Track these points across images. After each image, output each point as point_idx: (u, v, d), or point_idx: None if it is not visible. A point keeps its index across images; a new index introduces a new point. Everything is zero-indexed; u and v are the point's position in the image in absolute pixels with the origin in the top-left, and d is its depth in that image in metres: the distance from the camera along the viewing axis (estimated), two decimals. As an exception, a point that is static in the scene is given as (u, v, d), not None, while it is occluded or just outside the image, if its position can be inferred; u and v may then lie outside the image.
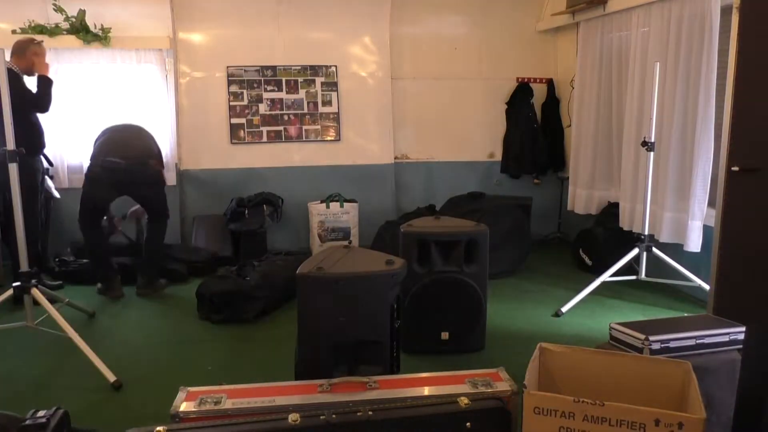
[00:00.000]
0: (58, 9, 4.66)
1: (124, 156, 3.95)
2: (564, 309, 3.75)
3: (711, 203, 3.82)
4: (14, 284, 3.09)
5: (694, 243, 3.82)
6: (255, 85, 5.28)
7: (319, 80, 5.38)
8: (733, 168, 2.65)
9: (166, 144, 5.15)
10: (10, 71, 3.44)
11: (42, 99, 3.97)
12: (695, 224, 3.81)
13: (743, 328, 2.15)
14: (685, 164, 3.91)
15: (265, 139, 5.34)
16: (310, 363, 2.34)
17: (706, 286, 3.73)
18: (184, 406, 1.93)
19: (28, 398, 2.66)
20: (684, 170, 3.93)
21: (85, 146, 4.97)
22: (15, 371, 2.98)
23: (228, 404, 1.95)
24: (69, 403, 2.56)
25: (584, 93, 5.03)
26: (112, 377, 2.77)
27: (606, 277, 3.86)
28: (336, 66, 5.40)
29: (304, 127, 5.40)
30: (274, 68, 5.30)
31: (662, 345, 2.09)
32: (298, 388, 2.09)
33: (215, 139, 5.27)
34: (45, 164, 4.22)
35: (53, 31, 4.64)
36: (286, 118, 5.36)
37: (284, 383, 2.29)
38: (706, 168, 3.73)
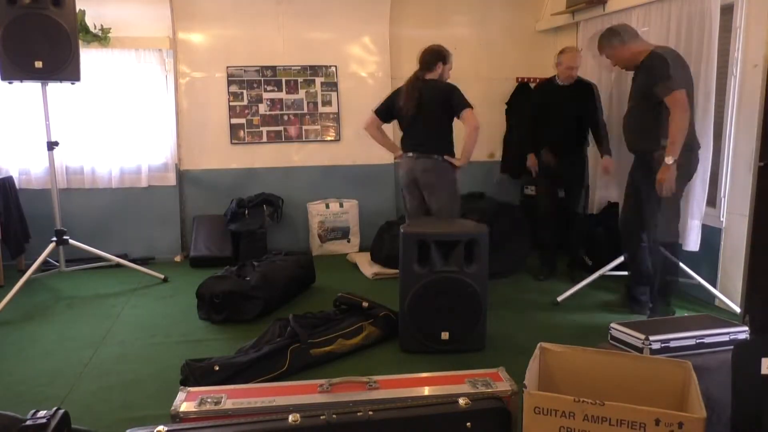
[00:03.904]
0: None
1: None
2: (560, 298, 3.86)
3: (710, 202, 3.82)
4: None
5: (693, 242, 3.82)
6: (255, 86, 5.28)
7: (318, 80, 5.38)
8: (760, 163, 2.60)
9: (166, 144, 5.16)
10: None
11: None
12: (694, 223, 3.80)
13: (744, 328, 2.15)
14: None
15: (265, 139, 5.34)
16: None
17: (707, 285, 3.74)
18: (185, 407, 1.93)
19: (28, 398, 2.66)
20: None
21: (84, 147, 5.00)
22: (15, 371, 2.98)
23: (228, 404, 1.95)
24: (69, 403, 2.57)
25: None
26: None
27: (605, 270, 3.88)
28: (336, 66, 5.40)
29: (304, 127, 5.40)
30: (273, 68, 5.30)
31: (662, 345, 2.09)
32: (299, 388, 2.09)
33: (215, 139, 5.27)
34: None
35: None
36: (286, 118, 5.36)
37: (284, 383, 2.29)
38: (705, 167, 3.72)
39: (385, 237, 4.86)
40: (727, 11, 3.67)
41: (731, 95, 3.67)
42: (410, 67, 5.58)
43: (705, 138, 3.70)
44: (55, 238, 4.20)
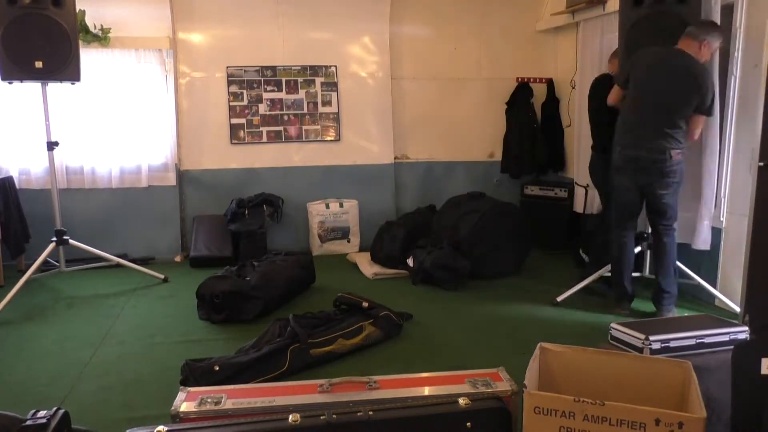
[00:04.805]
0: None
1: None
2: (560, 298, 3.84)
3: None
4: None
5: (703, 242, 3.80)
6: (255, 86, 5.28)
7: (318, 80, 5.38)
8: (760, 163, 2.60)
9: (166, 144, 5.16)
10: None
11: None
12: (704, 224, 3.79)
13: (744, 328, 2.15)
14: (690, 164, 3.89)
15: (265, 139, 5.34)
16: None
17: (707, 285, 3.73)
18: (185, 407, 1.94)
19: (28, 398, 2.66)
20: (689, 170, 3.91)
21: (84, 147, 4.99)
22: (15, 371, 2.98)
23: (228, 404, 1.95)
24: (69, 403, 2.57)
25: (584, 93, 5.02)
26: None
27: (605, 271, 3.87)
28: (336, 66, 5.40)
29: (304, 128, 5.40)
30: (273, 68, 5.30)
31: (662, 345, 2.09)
32: (299, 388, 2.09)
33: (215, 139, 5.27)
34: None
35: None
36: (286, 118, 5.36)
37: (284, 383, 2.29)
38: (711, 168, 3.71)
39: (385, 237, 4.86)
40: (727, 11, 3.67)
41: (731, 95, 3.67)
42: (410, 66, 5.64)
43: (711, 139, 3.69)
44: (55, 238, 4.20)
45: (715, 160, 3.70)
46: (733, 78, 3.64)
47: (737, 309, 3.51)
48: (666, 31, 3.58)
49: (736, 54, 3.61)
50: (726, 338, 2.14)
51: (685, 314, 3.60)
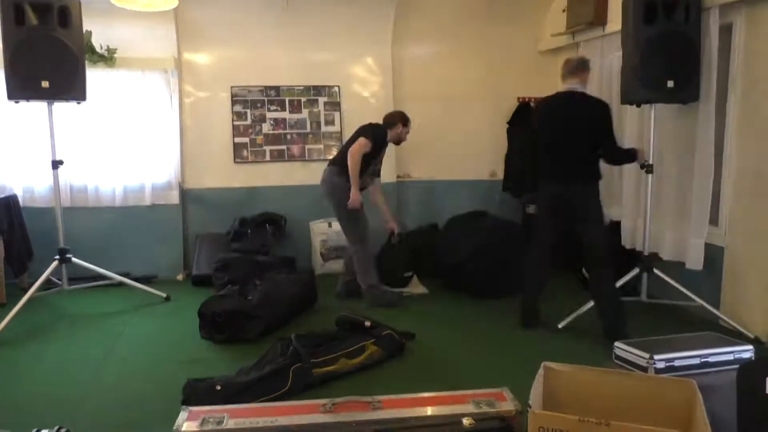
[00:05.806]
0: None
1: None
2: (560, 325, 3.78)
3: (712, 221, 3.82)
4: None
5: (695, 261, 3.81)
6: (258, 105, 5.33)
7: (322, 100, 5.42)
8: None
9: (170, 163, 5.18)
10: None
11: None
12: (697, 242, 3.79)
13: (749, 347, 2.15)
14: (685, 183, 3.91)
15: (268, 158, 5.37)
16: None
17: (709, 307, 3.71)
18: (187, 426, 1.93)
19: (31, 417, 2.64)
20: (684, 189, 3.93)
21: (88, 166, 5.02)
22: (18, 390, 2.96)
23: (230, 424, 1.95)
24: (71, 422, 2.55)
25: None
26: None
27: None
28: (339, 86, 5.45)
29: (307, 147, 5.43)
30: (277, 88, 5.35)
31: (667, 364, 2.08)
32: (301, 408, 2.09)
33: (219, 158, 5.30)
34: None
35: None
36: (289, 137, 5.40)
37: (287, 403, 2.28)
38: (706, 186, 3.73)
39: (388, 256, 4.85)
40: (726, 31, 3.71)
41: (730, 114, 3.69)
42: (412, 87, 5.69)
43: (706, 156, 3.71)
44: (58, 257, 4.21)
45: (710, 179, 3.70)
46: (733, 97, 3.67)
47: (741, 329, 3.51)
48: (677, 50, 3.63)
49: (734, 73, 3.64)
50: (730, 357, 2.14)
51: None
